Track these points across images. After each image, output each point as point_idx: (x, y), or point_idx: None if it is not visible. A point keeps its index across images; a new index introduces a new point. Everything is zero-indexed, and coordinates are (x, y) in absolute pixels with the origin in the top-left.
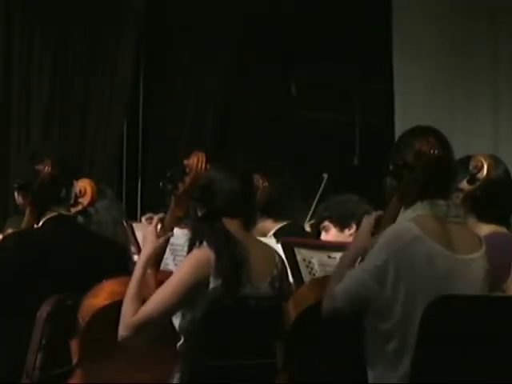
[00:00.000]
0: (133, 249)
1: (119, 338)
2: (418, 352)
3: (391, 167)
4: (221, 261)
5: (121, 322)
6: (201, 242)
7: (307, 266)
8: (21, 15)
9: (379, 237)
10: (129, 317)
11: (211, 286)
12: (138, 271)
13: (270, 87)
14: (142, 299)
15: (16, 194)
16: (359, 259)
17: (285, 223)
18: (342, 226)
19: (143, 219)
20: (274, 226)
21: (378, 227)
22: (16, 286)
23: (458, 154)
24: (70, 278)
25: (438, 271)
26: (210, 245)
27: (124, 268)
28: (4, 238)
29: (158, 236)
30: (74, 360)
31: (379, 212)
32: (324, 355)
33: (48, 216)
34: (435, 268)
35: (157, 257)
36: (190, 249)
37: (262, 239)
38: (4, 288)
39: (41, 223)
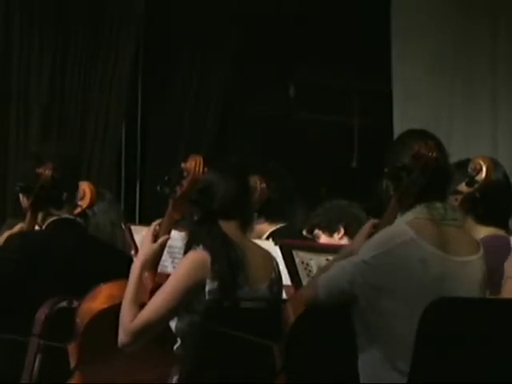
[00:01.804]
0: (132, 252)
1: (119, 345)
2: (416, 354)
3: (389, 169)
4: (217, 263)
5: (120, 328)
6: (198, 245)
7: (305, 268)
8: (20, 15)
9: (373, 235)
10: (127, 322)
11: (207, 288)
12: (133, 276)
13: (269, 88)
14: (140, 303)
15: (21, 196)
16: None
17: (280, 225)
18: (330, 231)
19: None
20: (269, 228)
21: (373, 233)
22: (18, 286)
23: (457, 155)
24: (71, 281)
25: (432, 273)
26: (206, 247)
27: (125, 273)
28: (8, 238)
29: (154, 240)
30: (73, 363)
31: (376, 220)
32: (322, 357)
33: (51, 219)
34: (429, 270)
35: (154, 260)
36: (186, 252)
37: (259, 242)
38: (6, 287)
39: (44, 226)
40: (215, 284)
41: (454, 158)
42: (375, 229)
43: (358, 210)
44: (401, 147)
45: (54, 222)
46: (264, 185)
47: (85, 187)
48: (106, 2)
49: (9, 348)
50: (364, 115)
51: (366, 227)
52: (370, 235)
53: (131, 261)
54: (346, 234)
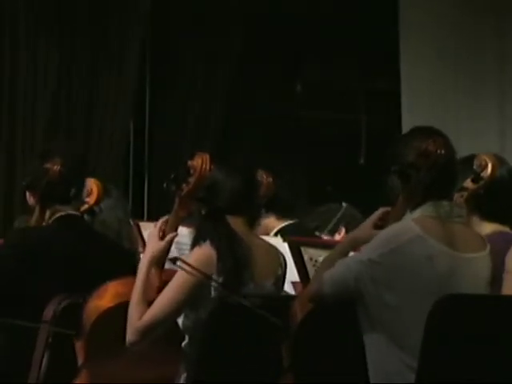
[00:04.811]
0: (140, 248)
1: (127, 343)
2: (424, 351)
3: (397, 167)
4: (222, 259)
5: (128, 326)
6: (204, 241)
7: (314, 265)
8: (26, 15)
9: (380, 232)
10: (135, 321)
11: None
12: (141, 275)
13: (274, 87)
14: (148, 300)
15: (28, 193)
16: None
17: (288, 222)
18: (331, 232)
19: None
20: (277, 224)
21: (383, 224)
22: (17, 282)
23: (464, 153)
24: (71, 278)
25: (439, 270)
26: (212, 244)
27: (129, 271)
28: (8, 234)
29: (160, 238)
30: (80, 361)
31: (387, 208)
32: (330, 356)
33: (57, 215)
34: (436, 267)
35: (160, 258)
36: (193, 248)
37: (268, 238)
38: (6, 284)
39: (50, 222)
40: (220, 280)
41: (461, 156)
42: (384, 221)
43: (353, 210)
44: (409, 145)
45: (57, 218)
46: (270, 179)
47: (92, 184)
48: (112, 2)
49: (15, 345)
50: (371, 113)
51: (375, 214)
52: (378, 223)
53: (136, 258)
54: (347, 233)
